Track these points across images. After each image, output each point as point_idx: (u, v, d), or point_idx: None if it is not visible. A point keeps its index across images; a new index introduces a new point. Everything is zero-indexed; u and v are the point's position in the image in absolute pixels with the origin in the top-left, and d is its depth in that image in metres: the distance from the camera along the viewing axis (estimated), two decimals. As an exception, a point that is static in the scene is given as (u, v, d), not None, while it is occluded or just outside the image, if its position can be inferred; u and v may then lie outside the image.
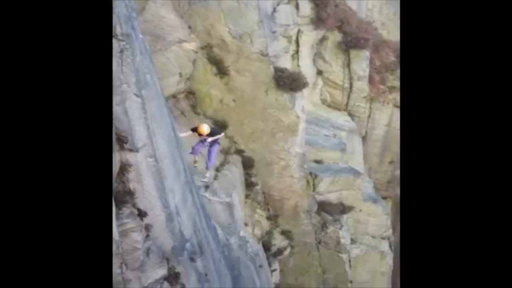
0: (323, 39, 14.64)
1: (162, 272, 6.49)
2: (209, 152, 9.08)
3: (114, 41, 5.31)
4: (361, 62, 15.14)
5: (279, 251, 12.05)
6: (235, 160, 11.20)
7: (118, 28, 5.40)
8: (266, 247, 11.60)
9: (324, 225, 13.25)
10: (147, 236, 6.24)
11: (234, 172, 10.88)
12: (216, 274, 7.90)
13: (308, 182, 13.07)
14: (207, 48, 11.44)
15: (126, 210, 5.91)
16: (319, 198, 13.35)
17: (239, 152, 11.66)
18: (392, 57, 16.14)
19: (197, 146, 9.02)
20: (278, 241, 12.11)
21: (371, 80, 15.61)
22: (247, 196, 11.45)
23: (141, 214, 6.14)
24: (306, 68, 14.00)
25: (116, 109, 5.57)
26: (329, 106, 15.30)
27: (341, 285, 13.44)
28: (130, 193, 6.02)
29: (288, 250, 12.41)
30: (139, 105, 5.87)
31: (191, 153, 9.03)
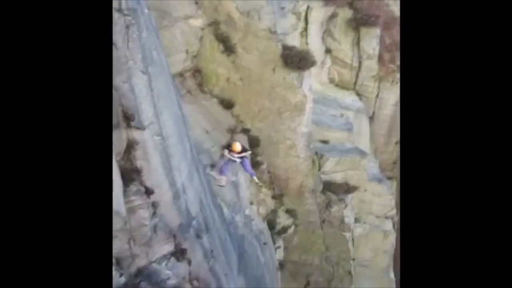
0: (332, 16, 14.21)
1: (169, 248, 6.61)
2: (244, 164, 9.54)
3: (119, 16, 5.18)
4: (371, 40, 14.74)
5: (284, 229, 12.19)
6: (241, 139, 11.15)
7: (123, 2, 5.25)
8: (271, 225, 11.72)
9: (328, 204, 13.31)
10: (154, 213, 6.31)
11: (240, 151, 10.83)
12: (221, 250, 8.03)
13: (313, 162, 13.04)
14: (214, 24, 11.17)
15: (133, 187, 5.95)
16: (324, 177, 13.35)
17: (245, 131, 11.59)
18: (403, 35, 15.70)
19: (225, 167, 9.29)
20: (283, 219, 12.23)
21: (380, 59, 15.24)
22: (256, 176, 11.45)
23: (148, 192, 6.19)
24: (315, 46, 13.67)
25: (123, 86, 5.50)
26: (336, 85, 15.05)
27: (344, 262, 13.64)
28: (137, 171, 6.04)
29: (292, 228, 12.54)
30: (145, 83, 5.79)
31: (220, 173, 9.33)
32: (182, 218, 7.03)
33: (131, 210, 5.88)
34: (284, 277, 12.14)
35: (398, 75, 17.66)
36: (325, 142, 13.77)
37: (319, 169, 13.13)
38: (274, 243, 11.61)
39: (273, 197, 12.00)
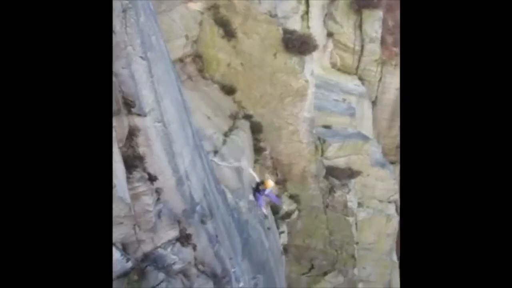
0: (334, -2, 13.99)
1: (174, 233, 6.66)
2: (271, 196, 10.98)
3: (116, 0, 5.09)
4: (374, 23, 14.53)
5: (287, 214, 12.27)
6: (243, 125, 11.11)
7: (120, -15, 5.15)
8: (274, 210, 11.81)
9: (331, 189, 13.36)
10: (158, 199, 6.34)
11: (243, 137, 10.84)
12: (226, 235, 8.10)
13: (316, 147, 13.03)
14: (213, 8, 11.00)
15: (136, 174, 5.96)
16: (327, 163, 13.36)
17: (248, 117, 11.55)
18: (407, 17, 15.44)
19: (260, 199, 10.54)
20: (286, 204, 12.30)
21: (383, 42, 15.06)
22: (255, 161, 11.48)
23: (151, 178, 6.20)
24: (316, 29, 13.49)
25: (122, 73, 5.45)
26: (338, 70, 14.92)
27: (347, 246, 13.78)
28: (140, 158, 6.04)
29: (296, 213, 12.61)
30: (145, 69, 5.73)
31: (258, 204, 10.59)
32: (186, 203, 7.07)
33: (135, 197, 5.91)
34: (288, 261, 12.29)
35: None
36: (327, 127, 13.74)
37: (322, 154, 13.13)
38: (278, 228, 11.71)
39: (277, 182, 12.04)
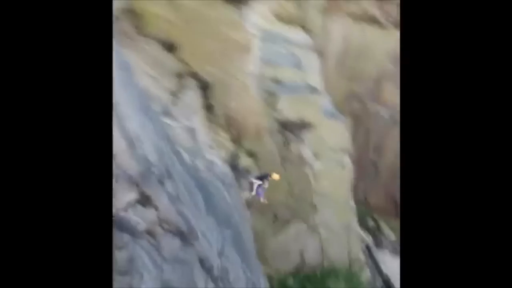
0: None
1: (133, 195, 6.68)
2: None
3: None
4: (314, -30, 14.65)
5: (247, 170, 12.62)
6: (191, 83, 10.98)
7: None
8: (234, 167, 12.07)
9: (286, 143, 13.88)
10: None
11: (191, 96, 10.75)
12: (187, 194, 8.24)
13: (267, 101, 13.30)
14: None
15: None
16: (279, 117, 13.74)
17: (194, 75, 11.40)
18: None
19: (260, 191, 11.56)
20: (244, 161, 12.61)
21: (326, -10, 15.31)
22: (207, 119, 11.50)
23: (101, 141, 6.07)
24: (255, -22, 13.30)
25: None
26: (282, 20, 14.99)
27: (307, 196, 14.60)
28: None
29: (255, 169, 13.00)
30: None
31: (257, 194, 11.62)
32: (141, 166, 7.07)
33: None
34: (253, 215, 12.80)
35: (345, 7, 17.94)
36: (276, 81, 13.98)
37: (273, 108, 13.46)
38: (239, 184, 12.05)
39: (232, 139, 12.23)
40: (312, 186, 14.63)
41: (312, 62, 15.98)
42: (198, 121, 10.39)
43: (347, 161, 16.22)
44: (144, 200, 6.87)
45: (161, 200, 7.30)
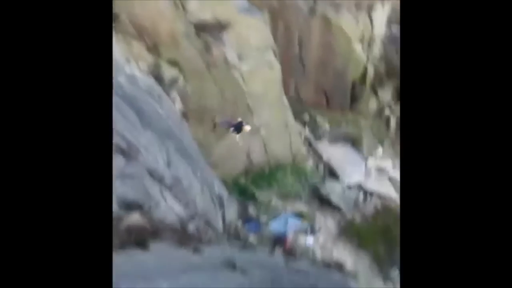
0: None
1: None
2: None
3: None
4: None
5: (173, 80, 12.10)
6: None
7: None
8: (158, 79, 11.45)
9: (207, 47, 13.36)
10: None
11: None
12: (116, 111, 7.76)
13: (176, 4, 12.33)
14: None
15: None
16: (193, 19, 12.97)
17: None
18: None
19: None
20: (168, 71, 11.99)
21: None
22: (115, 30, 10.41)
23: None
24: None
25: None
26: None
27: (240, 99, 14.69)
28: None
29: (181, 78, 12.51)
30: None
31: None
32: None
33: None
34: (191, 125, 12.65)
35: None
36: (180, -21, 12.87)
37: (184, 10, 12.58)
38: (168, 95, 11.58)
39: (148, 49, 11.39)
40: (244, 89, 14.66)
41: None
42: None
43: (273, 59, 16.30)
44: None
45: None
